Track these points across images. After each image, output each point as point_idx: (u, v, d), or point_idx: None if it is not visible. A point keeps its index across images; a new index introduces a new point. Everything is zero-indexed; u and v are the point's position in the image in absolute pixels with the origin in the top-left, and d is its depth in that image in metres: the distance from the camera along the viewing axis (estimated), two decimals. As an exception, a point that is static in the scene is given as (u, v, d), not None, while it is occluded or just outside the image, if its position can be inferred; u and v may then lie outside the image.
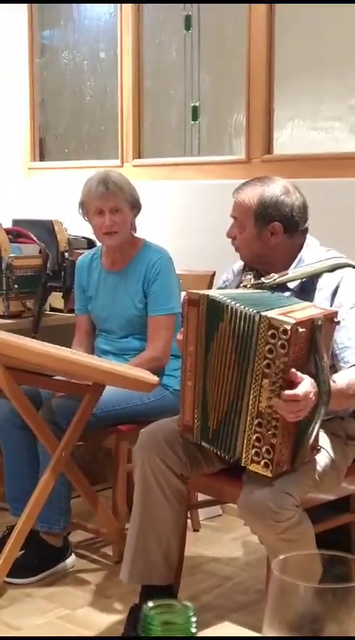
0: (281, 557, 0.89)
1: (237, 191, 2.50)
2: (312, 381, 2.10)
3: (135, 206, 3.16)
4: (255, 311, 2.14)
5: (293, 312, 2.13)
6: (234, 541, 3.24)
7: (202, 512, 3.37)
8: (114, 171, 3.22)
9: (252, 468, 2.19)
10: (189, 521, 3.30)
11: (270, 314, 2.11)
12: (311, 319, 2.12)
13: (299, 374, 2.08)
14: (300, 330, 2.07)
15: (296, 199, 2.46)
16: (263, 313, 2.12)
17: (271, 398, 2.10)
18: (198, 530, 3.34)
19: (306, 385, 2.07)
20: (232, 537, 3.26)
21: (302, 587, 0.87)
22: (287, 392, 2.06)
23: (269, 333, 2.10)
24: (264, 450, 2.15)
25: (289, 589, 0.87)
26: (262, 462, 2.16)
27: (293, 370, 2.07)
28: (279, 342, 2.08)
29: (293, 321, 2.07)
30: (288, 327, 2.06)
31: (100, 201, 3.08)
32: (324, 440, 2.38)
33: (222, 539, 3.29)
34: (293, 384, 2.07)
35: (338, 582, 0.89)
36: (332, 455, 2.38)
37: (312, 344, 2.12)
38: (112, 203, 3.07)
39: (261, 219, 2.44)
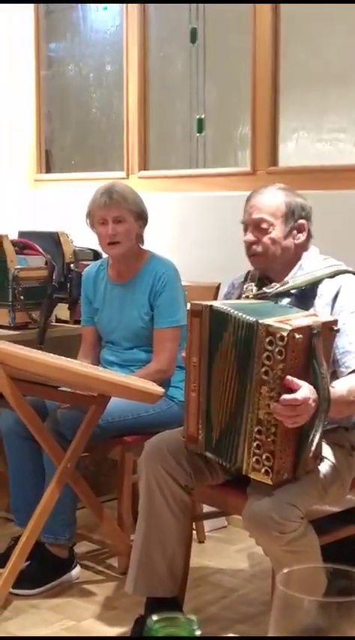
0: (285, 570, 0.90)
1: (256, 196, 2.53)
2: (311, 387, 2.10)
3: (141, 217, 3.16)
4: (253, 319, 2.16)
5: (292, 320, 2.14)
6: (239, 552, 3.24)
7: (207, 524, 3.37)
8: (120, 183, 3.24)
9: (253, 475, 2.19)
10: (194, 532, 3.31)
11: (268, 321, 2.13)
12: (308, 326, 2.13)
13: (296, 381, 2.08)
14: (297, 336, 2.08)
15: (304, 201, 2.53)
16: (261, 320, 2.14)
17: (270, 405, 2.11)
18: (203, 542, 3.34)
19: (305, 391, 2.08)
20: (237, 549, 3.26)
21: (306, 600, 0.87)
22: (286, 396, 2.07)
23: (267, 340, 2.11)
24: (264, 457, 2.15)
25: (293, 602, 0.87)
26: (263, 470, 2.16)
27: (290, 378, 2.08)
28: (276, 349, 2.09)
29: (290, 328, 2.08)
30: (285, 334, 2.07)
31: (103, 210, 3.09)
32: (328, 451, 2.38)
33: (227, 550, 3.28)
34: (291, 391, 2.08)
35: (342, 595, 0.89)
36: (337, 466, 2.38)
37: (310, 351, 2.12)
38: (115, 213, 3.09)
39: (291, 216, 2.49)
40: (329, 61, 3.55)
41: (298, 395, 2.07)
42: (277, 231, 2.49)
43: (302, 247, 2.52)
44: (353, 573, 0.92)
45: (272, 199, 2.50)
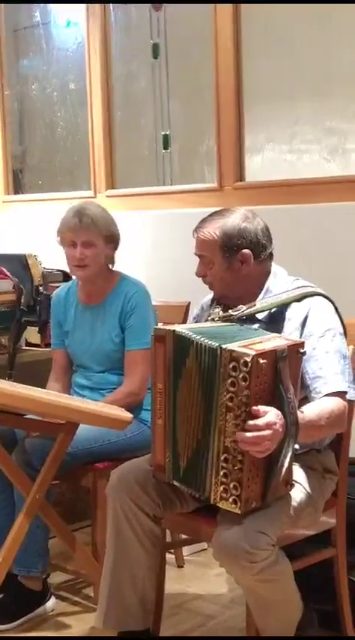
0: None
1: (197, 229, 2.46)
2: (278, 412, 2.04)
3: (112, 240, 3.11)
4: (216, 344, 2.09)
5: (256, 344, 2.08)
6: (218, 577, 3.17)
7: (186, 548, 3.30)
8: (93, 204, 3.16)
9: (221, 505, 2.13)
10: (172, 557, 3.25)
11: (231, 346, 2.07)
12: (273, 350, 2.07)
13: (262, 408, 2.02)
14: (261, 361, 2.02)
15: (257, 224, 2.43)
16: (224, 346, 2.07)
17: (236, 432, 2.05)
18: (182, 567, 3.27)
19: (271, 417, 2.02)
20: (217, 573, 3.19)
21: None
22: (250, 422, 2.01)
23: (231, 365, 2.05)
24: (231, 486, 2.09)
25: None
26: (230, 499, 2.10)
27: (255, 407, 2.02)
28: (241, 375, 2.03)
29: (254, 353, 2.02)
30: (249, 359, 2.01)
31: (72, 233, 3.04)
32: (300, 474, 2.32)
33: (207, 574, 3.22)
34: (256, 418, 2.02)
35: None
36: (309, 489, 2.32)
37: (276, 376, 2.07)
38: (84, 237, 3.04)
39: (228, 250, 2.40)
40: (298, 71, 3.51)
41: (263, 421, 2.01)
42: (217, 266, 2.43)
43: (261, 273, 2.45)
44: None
45: (210, 232, 2.42)
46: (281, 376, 2.07)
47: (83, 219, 3.03)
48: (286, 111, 3.58)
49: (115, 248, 3.13)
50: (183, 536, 2.95)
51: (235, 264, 2.41)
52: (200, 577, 3.20)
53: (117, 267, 3.18)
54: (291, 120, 3.56)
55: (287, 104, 3.57)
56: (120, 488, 2.35)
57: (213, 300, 2.55)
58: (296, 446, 2.25)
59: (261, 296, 2.43)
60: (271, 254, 2.47)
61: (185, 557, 3.31)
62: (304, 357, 2.22)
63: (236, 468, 2.08)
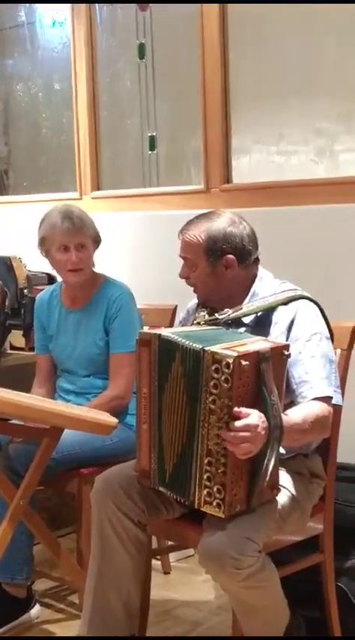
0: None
1: (183, 231, 2.43)
2: (261, 415, 2.01)
3: (97, 241, 3.09)
4: (200, 346, 2.07)
5: (240, 346, 2.06)
6: (205, 583, 3.14)
7: (173, 554, 3.27)
8: (74, 206, 3.12)
9: (205, 509, 2.10)
10: (159, 563, 3.22)
11: (214, 348, 2.04)
12: (256, 352, 2.04)
13: (244, 410, 2.00)
14: (243, 363, 1.99)
15: (243, 228, 2.40)
16: (207, 348, 2.05)
17: (219, 435, 2.02)
18: (168, 573, 3.24)
19: (253, 419, 1.99)
20: (203, 579, 3.15)
21: None
22: (231, 424, 1.98)
23: (213, 367, 2.02)
24: (215, 489, 2.06)
25: None
26: (214, 503, 2.07)
27: (237, 408, 1.99)
28: (223, 377, 2.01)
29: (236, 354, 1.99)
30: (231, 361, 1.99)
31: (66, 237, 2.99)
32: (286, 479, 2.29)
33: (194, 581, 3.19)
34: (239, 420, 1.99)
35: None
36: (295, 494, 2.29)
37: (260, 378, 2.04)
38: (78, 239, 2.99)
39: (213, 254, 2.37)
40: (286, 72, 3.49)
41: (244, 422, 1.98)
42: (201, 269, 2.40)
43: (246, 277, 2.42)
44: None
45: (195, 235, 2.39)
46: (265, 378, 2.04)
47: (74, 221, 2.99)
48: (274, 112, 3.56)
49: (97, 249, 3.10)
50: (170, 543, 2.92)
51: (219, 269, 2.39)
52: (186, 583, 3.17)
53: (104, 269, 3.15)
54: (279, 121, 3.54)
55: (274, 105, 3.55)
56: (104, 494, 2.31)
57: (198, 304, 2.52)
58: (283, 450, 2.24)
59: (247, 300, 2.40)
60: (257, 259, 2.44)
61: (171, 564, 3.28)
62: (290, 362, 2.19)
63: (219, 471, 2.05)
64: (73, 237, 2.98)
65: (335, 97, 3.35)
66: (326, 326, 2.36)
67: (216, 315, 2.38)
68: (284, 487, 2.26)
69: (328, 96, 3.37)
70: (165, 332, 2.24)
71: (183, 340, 2.14)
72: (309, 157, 3.46)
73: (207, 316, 2.40)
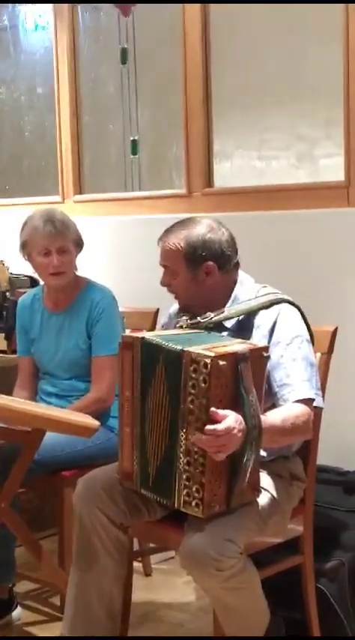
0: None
1: (162, 239, 2.45)
2: (238, 416, 2.03)
3: (79, 244, 3.09)
4: (180, 348, 2.08)
5: (219, 347, 2.08)
6: (186, 585, 3.15)
7: (154, 556, 3.28)
8: (56, 210, 3.13)
9: (185, 509, 2.11)
10: (140, 565, 3.23)
11: (193, 349, 2.06)
12: (234, 353, 2.06)
13: (220, 412, 2.01)
14: (221, 363, 2.01)
15: (222, 234, 2.41)
16: (186, 349, 2.07)
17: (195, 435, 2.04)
18: (150, 575, 3.25)
19: (229, 421, 2.01)
20: (185, 581, 3.17)
21: None
22: (208, 426, 2.00)
23: (192, 368, 2.05)
24: (194, 489, 2.08)
25: None
26: (193, 503, 2.09)
27: (213, 409, 2.01)
28: (201, 377, 2.03)
29: (213, 355, 2.01)
30: (208, 361, 2.01)
31: (48, 240, 2.99)
32: (267, 481, 2.31)
33: (175, 582, 3.20)
34: (216, 422, 2.01)
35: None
36: (276, 497, 2.31)
37: (238, 378, 2.06)
38: (60, 243, 3.00)
39: (193, 261, 2.39)
40: (268, 78, 3.52)
41: (220, 425, 2.00)
42: (182, 277, 2.42)
43: (227, 282, 2.44)
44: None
45: (174, 243, 2.40)
46: (243, 378, 2.06)
47: (57, 225, 2.99)
48: (255, 117, 3.58)
49: (79, 252, 3.11)
50: (151, 545, 2.93)
51: (200, 276, 2.41)
52: (168, 585, 3.18)
53: (86, 273, 3.16)
54: (260, 126, 3.56)
55: (256, 110, 3.57)
56: (86, 497, 2.32)
57: (180, 309, 2.54)
58: (264, 453, 2.26)
59: (229, 304, 2.42)
60: (237, 263, 2.46)
61: (153, 566, 3.29)
62: (272, 365, 2.21)
63: (198, 471, 2.07)
64: (54, 241, 2.99)
65: (315, 103, 3.38)
66: (307, 329, 2.39)
67: (199, 318, 2.40)
68: (265, 489, 2.28)
69: (309, 102, 3.40)
70: (148, 335, 2.26)
71: (165, 342, 2.16)
72: (290, 162, 3.49)
73: (189, 320, 2.42)
